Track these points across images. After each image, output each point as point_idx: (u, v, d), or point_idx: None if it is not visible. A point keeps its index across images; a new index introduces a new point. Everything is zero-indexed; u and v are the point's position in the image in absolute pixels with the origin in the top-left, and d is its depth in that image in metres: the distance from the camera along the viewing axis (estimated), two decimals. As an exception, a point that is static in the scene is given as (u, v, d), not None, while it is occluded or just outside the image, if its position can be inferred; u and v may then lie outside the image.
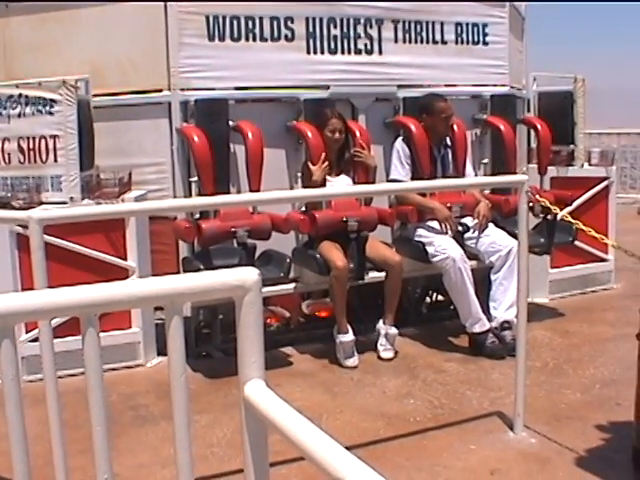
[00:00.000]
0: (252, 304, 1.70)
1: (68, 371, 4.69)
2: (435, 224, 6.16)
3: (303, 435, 1.47)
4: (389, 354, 5.91)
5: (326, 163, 5.91)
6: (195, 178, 5.82)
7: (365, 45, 6.50)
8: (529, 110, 7.71)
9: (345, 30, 6.39)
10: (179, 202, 5.34)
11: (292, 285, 5.98)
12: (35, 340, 4.71)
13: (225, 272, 1.71)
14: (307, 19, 6.26)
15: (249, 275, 1.70)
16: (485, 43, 7.12)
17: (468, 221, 6.26)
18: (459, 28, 6.96)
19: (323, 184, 5.87)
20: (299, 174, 6.18)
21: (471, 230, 6.23)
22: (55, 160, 5.53)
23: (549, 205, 4.68)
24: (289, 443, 1.50)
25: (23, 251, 5.25)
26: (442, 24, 6.85)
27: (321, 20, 6.30)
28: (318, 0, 6.29)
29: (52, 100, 5.49)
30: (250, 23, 6.08)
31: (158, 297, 1.69)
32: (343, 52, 6.41)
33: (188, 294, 1.70)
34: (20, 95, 5.57)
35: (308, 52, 6.30)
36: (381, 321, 5.97)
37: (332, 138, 6.01)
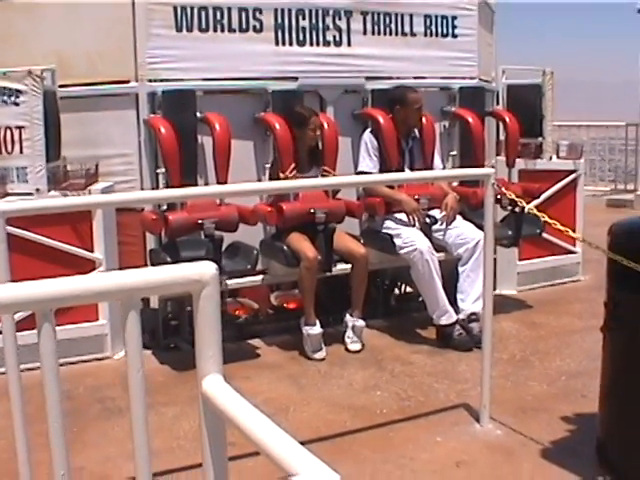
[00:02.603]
0: (209, 298, 1.69)
1: (34, 364, 4.64)
2: (403, 216, 6.17)
3: (259, 430, 1.47)
4: (356, 346, 5.92)
5: (294, 171, 5.90)
6: (162, 170, 5.79)
7: (334, 37, 6.49)
8: (498, 103, 7.73)
9: (314, 22, 6.38)
10: (145, 194, 5.32)
11: (260, 277, 5.98)
12: (-1, 333, 4.68)
13: (183, 266, 1.70)
14: (276, 10, 6.23)
15: (207, 269, 1.69)
16: (454, 35, 7.13)
17: (436, 213, 6.27)
18: (428, 20, 6.96)
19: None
20: (267, 165, 6.17)
21: (439, 222, 6.24)
22: (21, 151, 5.47)
23: (515, 198, 4.69)
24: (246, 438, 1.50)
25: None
26: (411, 16, 6.85)
27: (290, 11, 6.29)
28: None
29: (17, 90, 5.43)
30: (218, 14, 6.05)
31: (115, 291, 1.68)
32: (312, 44, 6.39)
33: (145, 288, 1.70)
34: (-15, 86, 5.51)
35: (277, 43, 6.27)
36: (348, 314, 5.97)
37: (314, 136, 6.02)
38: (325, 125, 6.17)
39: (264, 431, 1.46)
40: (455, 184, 6.57)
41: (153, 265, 5.74)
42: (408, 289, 7.15)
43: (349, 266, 5.95)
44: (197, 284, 1.68)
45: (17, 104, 5.44)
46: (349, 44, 6.57)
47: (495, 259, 4.83)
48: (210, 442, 1.75)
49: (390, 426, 4.61)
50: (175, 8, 5.91)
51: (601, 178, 15.48)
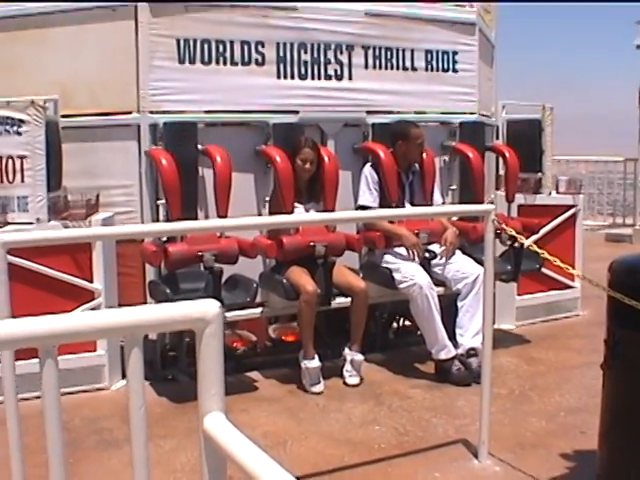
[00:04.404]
0: (213, 336, 1.69)
1: (32, 393, 4.61)
2: (402, 250, 6.17)
3: (261, 469, 1.46)
4: (355, 380, 5.89)
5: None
6: (163, 201, 5.80)
7: (335, 71, 6.53)
8: (498, 137, 7.77)
9: (315, 55, 6.42)
10: (145, 227, 5.34)
11: (259, 309, 5.97)
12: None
13: (186, 304, 1.70)
14: (277, 44, 6.28)
15: (210, 308, 1.69)
16: (455, 70, 7.17)
17: (435, 248, 6.27)
18: (429, 55, 7.01)
19: (292, 210, 5.88)
20: (267, 199, 6.18)
21: (438, 257, 6.24)
22: (22, 180, 5.48)
23: (515, 234, 4.70)
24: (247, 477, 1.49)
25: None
26: (412, 51, 6.90)
27: (292, 45, 6.33)
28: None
29: (20, 120, 5.45)
30: (221, 47, 6.09)
31: (118, 329, 1.68)
32: (313, 77, 6.43)
33: (148, 326, 1.70)
34: (-13, 115, 5.53)
35: (278, 77, 6.31)
36: (347, 347, 5.96)
37: (302, 167, 6.02)
38: (325, 158, 6.18)
39: (266, 470, 1.45)
40: (454, 219, 6.58)
41: (152, 296, 5.75)
42: (407, 323, 7.13)
43: (348, 300, 5.94)
44: (200, 322, 1.68)
45: (19, 134, 5.46)
46: (350, 78, 6.61)
47: (494, 294, 4.82)
48: (210, 479, 1.75)
49: (388, 461, 4.58)
50: (178, 41, 5.95)
51: (599, 212, 15.54)
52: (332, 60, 6.51)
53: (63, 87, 5.90)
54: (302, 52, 6.37)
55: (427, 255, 6.17)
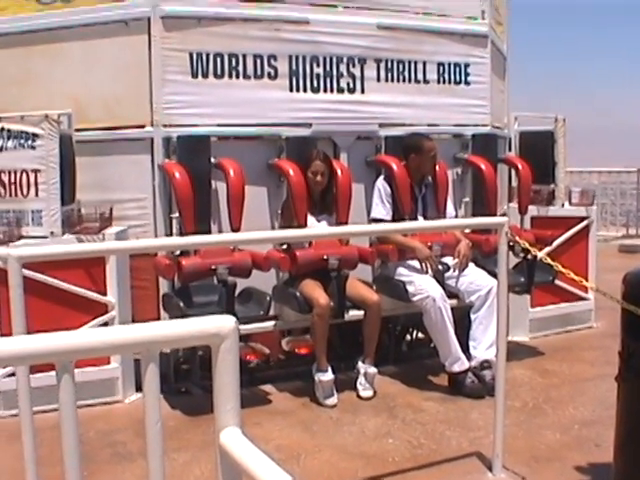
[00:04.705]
0: (229, 351, 1.70)
1: (46, 406, 4.61)
2: (415, 263, 6.17)
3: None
4: (368, 393, 5.89)
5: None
6: (176, 214, 5.83)
7: (347, 84, 6.55)
8: (510, 149, 7.77)
9: (328, 69, 6.45)
10: (158, 242, 5.36)
11: (272, 323, 5.98)
12: (12, 375, 4.68)
13: (202, 320, 1.71)
14: (290, 57, 6.30)
15: (226, 323, 1.70)
16: (467, 83, 7.18)
17: (448, 260, 6.27)
18: (441, 68, 7.02)
19: (305, 223, 5.89)
20: (279, 212, 6.19)
21: (451, 269, 6.24)
22: (36, 194, 5.51)
23: (529, 247, 4.69)
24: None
25: (1, 284, 5.21)
26: (424, 63, 6.91)
27: (304, 58, 6.35)
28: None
29: (34, 134, 5.49)
30: (233, 60, 6.12)
31: (134, 345, 1.69)
32: (326, 90, 6.45)
33: (165, 342, 1.70)
34: (2, 129, 5.56)
35: (291, 90, 6.34)
36: (360, 360, 5.95)
37: (314, 180, 6.03)
38: (338, 171, 6.19)
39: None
40: (467, 231, 6.57)
41: (166, 310, 5.77)
42: (420, 335, 7.12)
43: (362, 313, 5.93)
44: (216, 337, 1.69)
45: (34, 148, 5.50)
46: (363, 91, 6.63)
47: (507, 306, 4.81)
48: (227, 494, 1.75)
49: (402, 475, 4.57)
50: (191, 54, 5.98)
51: (612, 222, 15.50)
52: (344, 73, 6.53)
53: (77, 101, 5.94)
54: (314, 65, 6.39)
55: (440, 267, 6.17)
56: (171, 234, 5.89)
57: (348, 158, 6.57)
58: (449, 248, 6.28)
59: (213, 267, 5.44)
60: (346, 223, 6.07)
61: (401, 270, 6.24)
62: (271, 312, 5.85)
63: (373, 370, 5.93)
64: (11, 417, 5.07)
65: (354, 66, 6.57)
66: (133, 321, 5.77)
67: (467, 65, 7.15)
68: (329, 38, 6.45)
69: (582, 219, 7.72)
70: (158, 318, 5.84)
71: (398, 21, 6.75)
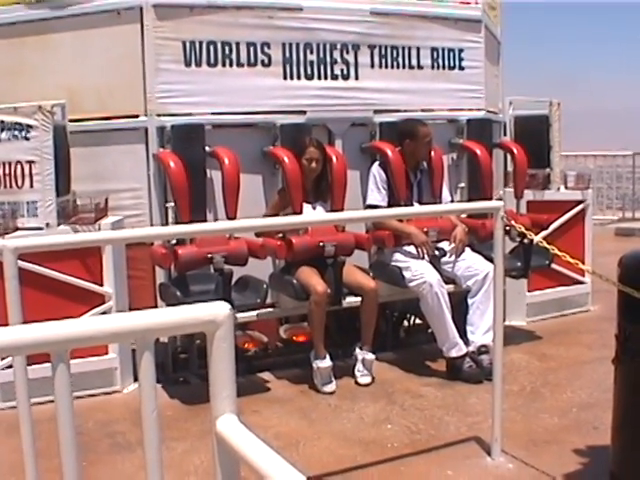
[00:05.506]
0: (224, 338, 1.70)
1: (44, 398, 4.60)
2: (412, 249, 6.17)
3: (275, 471, 1.46)
4: (366, 380, 5.89)
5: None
6: (172, 204, 5.81)
7: (341, 70, 6.53)
8: (505, 134, 7.75)
9: (321, 55, 6.43)
10: (154, 230, 5.35)
11: (269, 310, 5.98)
12: (10, 367, 4.67)
13: (196, 307, 1.70)
14: (284, 45, 6.28)
15: (221, 310, 1.69)
16: (461, 68, 7.16)
17: (445, 245, 6.27)
18: (435, 53, 7.00)
19: (300, 211, 5.88)
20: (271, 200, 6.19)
21: (448, 254, 6.24)
22: (31, 186, 5.49)
23: (525, 231, 4.69)
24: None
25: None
26: (418, 49, 6.89)
27: (297, 46, 6.33)
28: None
29: (28, 125, 5.46)
30: (227, 48, 6.10)
31: (130, 333, 1.68)
32: (320, 77, 6.44)
33: (159, 329, 1.70)
34: (-4, 120, 5.55)
35: (285, 77, 6.32)
36: (358, 347, 5.96)
37: (308, 167, 6.01)
38: (333, 158, 6.18)
39: (279, 472, 1.45)
40: (463, 216, 6.57)
41: (163, 299, 5.76)
42: (417, 321, 7.12)
43: (359, 299, 5.94)
44: (211, 325, 1.68)
45: (27, 139, 5.47)
46: (357, 77, 6.61)
47: (504, 290, 4.81)
48: (224, 481, 1.75)
49: (401, 460, 4.57)
50: (184, 43, 5.96)
51: (608, 206, 15.49)
52: (338, 60, 6.51)
53: (70, 92, 5.92)
54: (308, 52, 6.37)
55: (437, 253, 6.17)
56: (167, 223, 5.87)
57: (343, 145, 6.57)
58: (445, 233, 6.28)
59: (209, 256, 5.44)
60: (341, 210, 6.07)
61: (397, 256, 6.24)
62: (268, 300, 5.86)
63: (371, 356, 5.93)
64: (9, 409, 5.06)
65: (348, 52, 6.55)
66: (130, 311, 5.76)
67: (461, 50, 7.14)
68: (322, 25, 6.42)
69: (578, 203, 7.72)
70: (155, 308, 5.83)
71: (391, 7, 6.73)
